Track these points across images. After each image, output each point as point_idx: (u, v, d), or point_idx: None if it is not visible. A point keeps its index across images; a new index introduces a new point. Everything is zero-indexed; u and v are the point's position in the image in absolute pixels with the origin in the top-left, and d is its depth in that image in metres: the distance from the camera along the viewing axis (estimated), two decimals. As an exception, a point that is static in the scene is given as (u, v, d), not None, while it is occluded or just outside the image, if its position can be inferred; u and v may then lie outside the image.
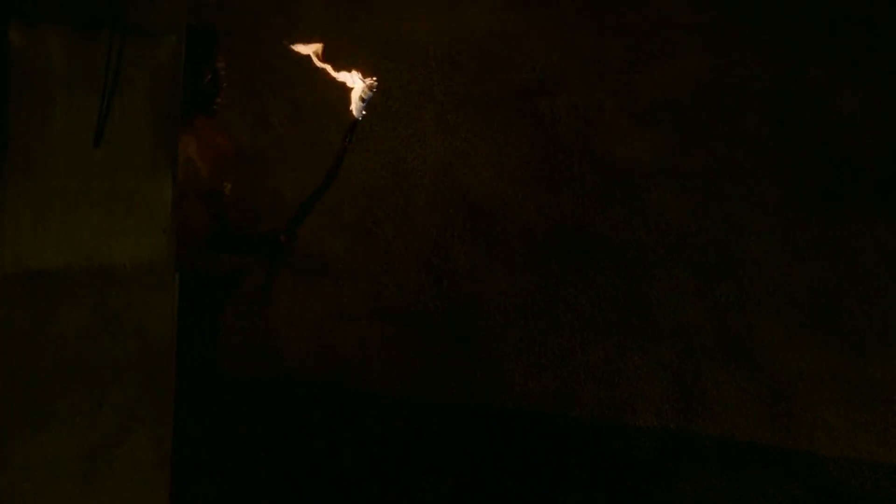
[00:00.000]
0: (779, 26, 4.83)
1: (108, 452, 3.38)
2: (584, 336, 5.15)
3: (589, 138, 5.09)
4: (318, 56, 4.44)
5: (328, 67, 4.41)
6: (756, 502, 4.93)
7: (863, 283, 4.78)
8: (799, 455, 4.88)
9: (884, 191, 4.74)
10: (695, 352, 5.00)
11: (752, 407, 4.96)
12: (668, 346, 5.03)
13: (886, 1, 4.69)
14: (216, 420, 4.88)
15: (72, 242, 3.25)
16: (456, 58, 5.25)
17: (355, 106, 4.43)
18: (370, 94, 4.40)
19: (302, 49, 4.45)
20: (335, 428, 5.46)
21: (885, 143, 4.71)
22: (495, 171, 5.21)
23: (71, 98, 3.22)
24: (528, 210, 5.16)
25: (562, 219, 5.12)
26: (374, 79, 4.41)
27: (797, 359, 4.88)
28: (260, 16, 5.57)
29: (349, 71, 4.41)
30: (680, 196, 4.99)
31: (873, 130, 4.75)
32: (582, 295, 5.15)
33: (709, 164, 4.95)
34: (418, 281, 5.35)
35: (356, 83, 4.42)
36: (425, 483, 5.34)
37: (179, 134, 4.13)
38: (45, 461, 3.20)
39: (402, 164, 5.34)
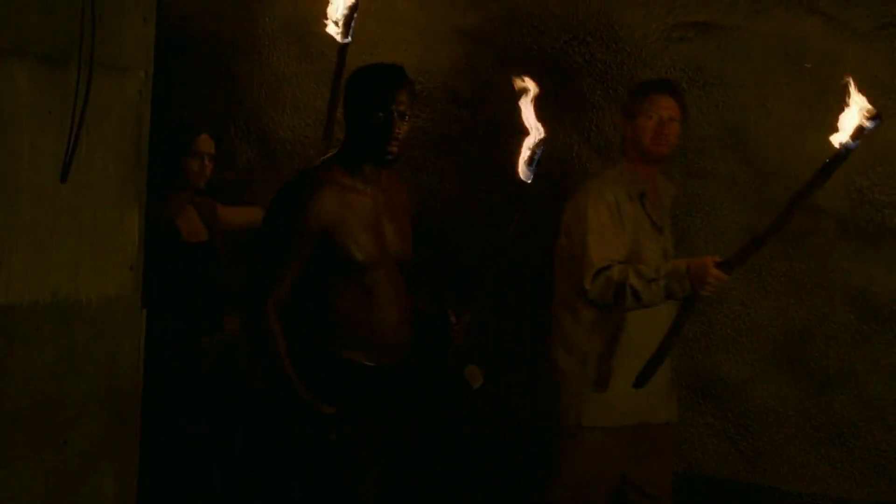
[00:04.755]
0: (745, 62, 4.87)
1: (73, 490, 3.35)
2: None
3: (557, 175, 5.10)
4: (530, 96, 3.71)
5: (530, 110, 3.69)
6: (723, 538, 4.94)
7: (827, 320, 4.81)
8: (765, 491, 4.89)
9: (846, 229, 4.78)
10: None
11: (719, 443, 4.96)
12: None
13: (853, 36, 4.74)
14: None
15: (38, 277, 3.23)
16: (423, 95, 5.26)
17: (523, 167, 3.66)
18: (539, 152, 3.64)
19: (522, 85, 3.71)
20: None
21: (848, 181, 4.75)
22: (463, 208, 5.21)
23: (38, 132, 3.21)
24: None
25: (532, 255, 5.13)
26: (542, 134, 3.64)
27: (763, 395, 4.89)
28: (232, 55, 5.58)
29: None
30: (646, 232, 5.01)
31: (839, 170, 4.78)
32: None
33: (677, 202, 4.97)
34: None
35: (538, 134, 3.65)
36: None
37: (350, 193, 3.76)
38: (9, 499, 3.17)
39: (369, 200, 5.33)
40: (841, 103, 4.00)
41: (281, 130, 5.49)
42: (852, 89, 3.69)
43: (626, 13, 5.03)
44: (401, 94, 3.80)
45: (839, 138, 3.70)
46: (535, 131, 3.65)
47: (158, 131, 3.83)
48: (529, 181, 3.65)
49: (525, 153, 3.64)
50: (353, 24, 4.35)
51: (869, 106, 3.63)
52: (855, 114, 3.66)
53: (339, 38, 4.39)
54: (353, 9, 4.32)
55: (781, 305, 4.87)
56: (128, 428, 3.57)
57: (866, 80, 4.74)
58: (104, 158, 3.42)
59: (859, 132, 3.63)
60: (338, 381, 3.79)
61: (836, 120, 4.18)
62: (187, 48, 5.57)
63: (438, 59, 5.24)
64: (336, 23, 4.36)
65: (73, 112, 3.24)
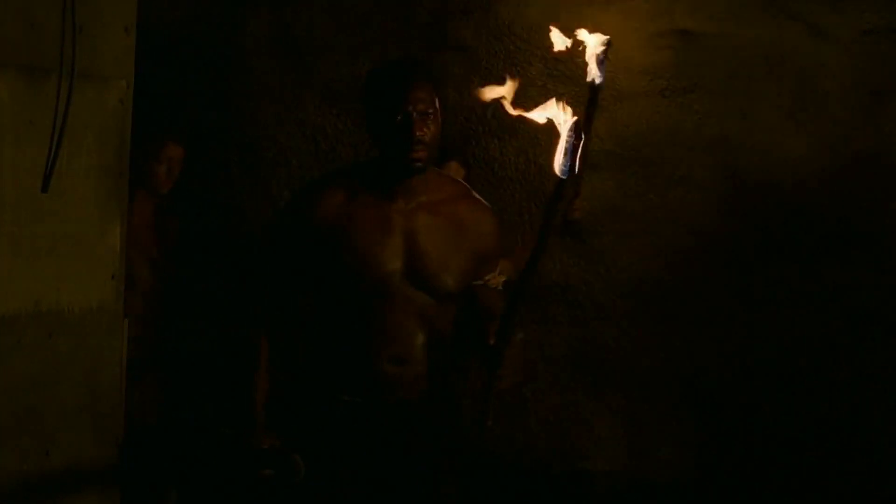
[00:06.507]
0: (726, 70, 4.89)
1: (55, 501, 3.33)
2: (537, 384, 5.14)
3: (539, 183, 5.11)
4: (509, 99, 3.23)
5: (522, 112, 3.27)
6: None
7: (814, 330, 4.82)
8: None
9: (830, 238, 4.80)
10: (647, 397, 5.01)
11: (703, 451, 4.97)
12: (620, 392, 5.04)
13: (833, 45, 4.76)
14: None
15: (19, 288, 3.21)
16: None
17: (559, 159, 3.15)
18: (572, 139, 3.13)
19: (489, 94, 3.20)
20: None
21: (831, 190, 4.77)
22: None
23: (19, 142, 3.20)
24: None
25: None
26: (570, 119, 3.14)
27: (747, 401, 4.91)
28: (217, 64, 5.57)
29: (550, 105, 3.19)
30: (628, 242, 5.02)
31: (820, 177, 4.81)
32: (532, 341, 5.15)
33: (658, 210, 4.98)
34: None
35: (563, 120, 3.15)
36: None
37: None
38: (-10, 511, 3.15)
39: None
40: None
41: (264, 140, 5.49)
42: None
43: (608, 20, 5.02)
44: (416, 90, 3.29)
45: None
46: (561, 117, 3.18)
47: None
48: (565, 176, 3.14)
49: (563, 144, 3.18)
50: (605, 63, 4.02)
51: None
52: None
53: (598, 79, 3.98)
54: (606, 44, 4.03)
55: (766, 314, 4.89)
56: (111, 439, 3.55)
57: (850, 87, 4.79)
58: (86, 168, 3.40)
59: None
60: (305, 416, 3.40)
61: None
62: (172, 57, 5.55)
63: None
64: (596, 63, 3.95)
65: (55, 121, 3.22)
